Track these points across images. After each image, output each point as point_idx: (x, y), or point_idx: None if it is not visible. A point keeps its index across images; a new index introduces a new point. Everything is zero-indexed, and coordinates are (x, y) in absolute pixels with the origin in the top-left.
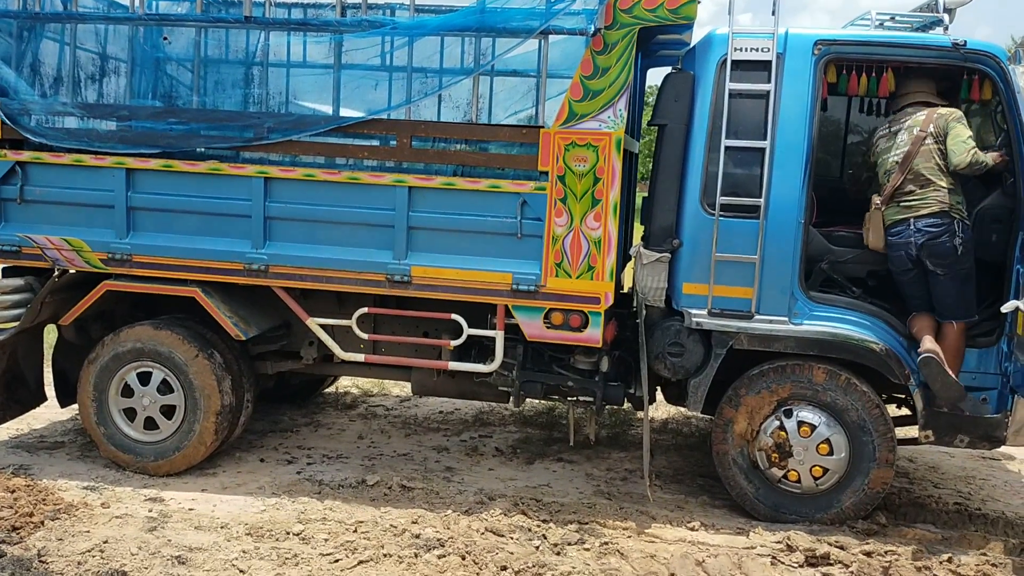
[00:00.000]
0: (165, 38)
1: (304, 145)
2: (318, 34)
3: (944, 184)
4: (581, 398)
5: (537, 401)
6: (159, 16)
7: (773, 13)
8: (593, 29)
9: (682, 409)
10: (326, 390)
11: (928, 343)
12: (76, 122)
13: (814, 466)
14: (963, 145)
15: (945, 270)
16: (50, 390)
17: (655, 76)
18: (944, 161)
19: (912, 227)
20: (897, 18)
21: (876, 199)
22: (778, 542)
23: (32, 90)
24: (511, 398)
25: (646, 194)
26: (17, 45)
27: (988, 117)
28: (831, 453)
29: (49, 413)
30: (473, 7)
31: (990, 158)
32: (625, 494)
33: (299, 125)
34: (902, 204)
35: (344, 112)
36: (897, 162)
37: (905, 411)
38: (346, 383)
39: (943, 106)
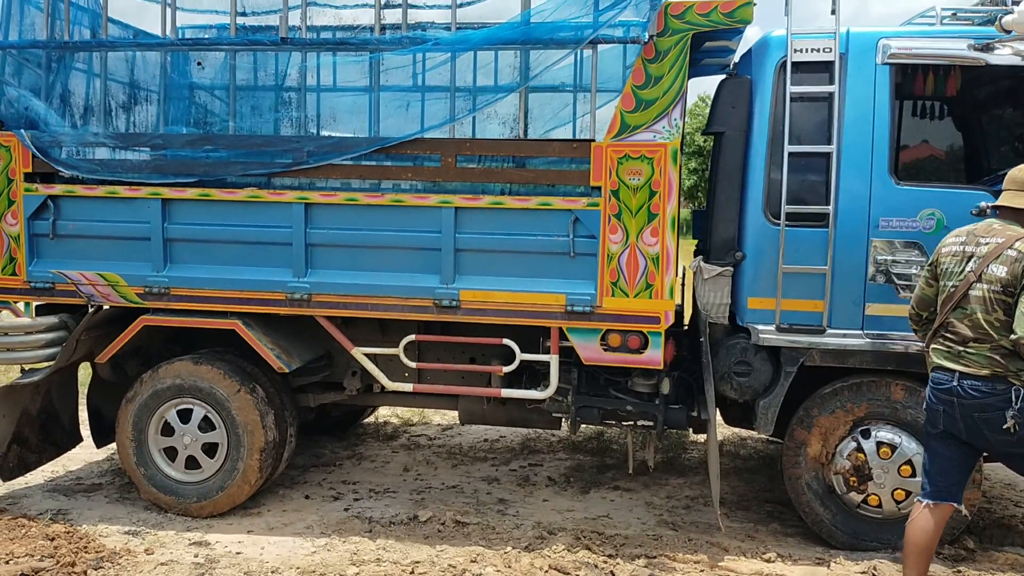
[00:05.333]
0: (199, 63)
1: (346, 168)
2: (356, 54)
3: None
4: (640, 423)
5: (585, 425)
6: (192, 41)
7: (833, 12)
8: (645, 37)
9: (736, 430)
10: (365, 420)
11: None
12: (108, 153)
13: (896, 489)
14: None
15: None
16: (85, 430)
17: (697, 86)
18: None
19: (957, 382)
20: (959, 14)
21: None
22: (863, 572)
23: (63, 121)
24: (564, 424)
25: (694, 207)
26: (46, 76)
27: None
28: (914, 475)
29: (84, 453)
30: (517, 20)
31: None
32: (690, 523)
33: (339, 148)
34: (949, 347)
35: (383, 133)
36: (951, 293)
37: None
38: (385, 412)
39: None
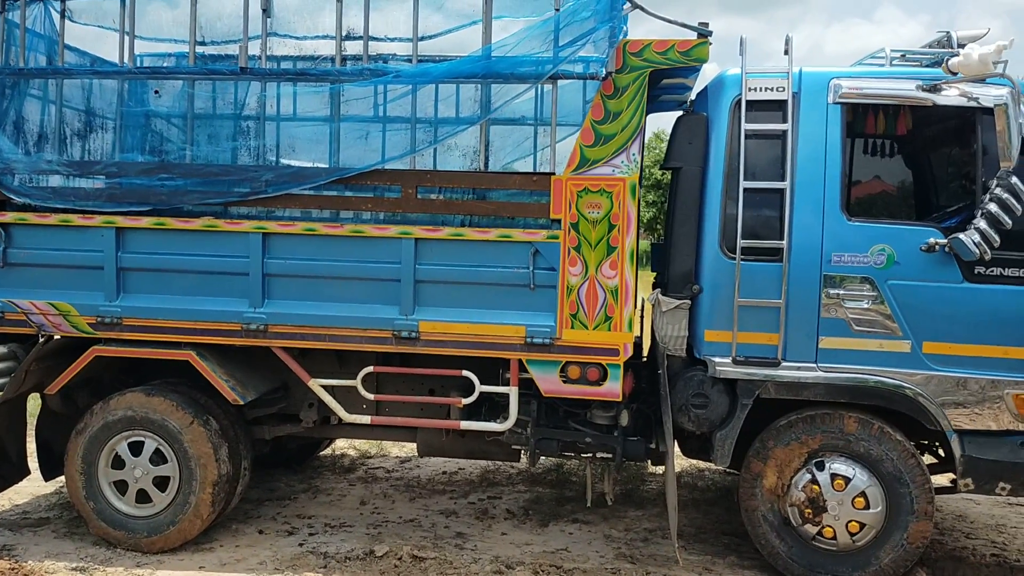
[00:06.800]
0: (156, 92)
1: (304, 199)
2: (317, 84)
3: None
4: (599, 454)
5: (544, 458)
6: (150, 69)
7: (786, 52)
8: (604, 73)
9: (694, 462)
10: (322, 453)
11: None
12: (62, 180)
13: (850, 521)
14: None
15: None
16: (33, 462)
17: (654, 122)
18: None
19: None
20: (908, 56)
21: None
22: None
23: (15, 148)
24: (523, 456)
25: (653, 241)
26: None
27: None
28: (867, 507)
29: (31, 487)
30: (479, 54)
31: None
32: (648, 556)
33: (299, 178)
34: None
35: (343, 164)
36: None
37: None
38: (342, 444)
39: None
